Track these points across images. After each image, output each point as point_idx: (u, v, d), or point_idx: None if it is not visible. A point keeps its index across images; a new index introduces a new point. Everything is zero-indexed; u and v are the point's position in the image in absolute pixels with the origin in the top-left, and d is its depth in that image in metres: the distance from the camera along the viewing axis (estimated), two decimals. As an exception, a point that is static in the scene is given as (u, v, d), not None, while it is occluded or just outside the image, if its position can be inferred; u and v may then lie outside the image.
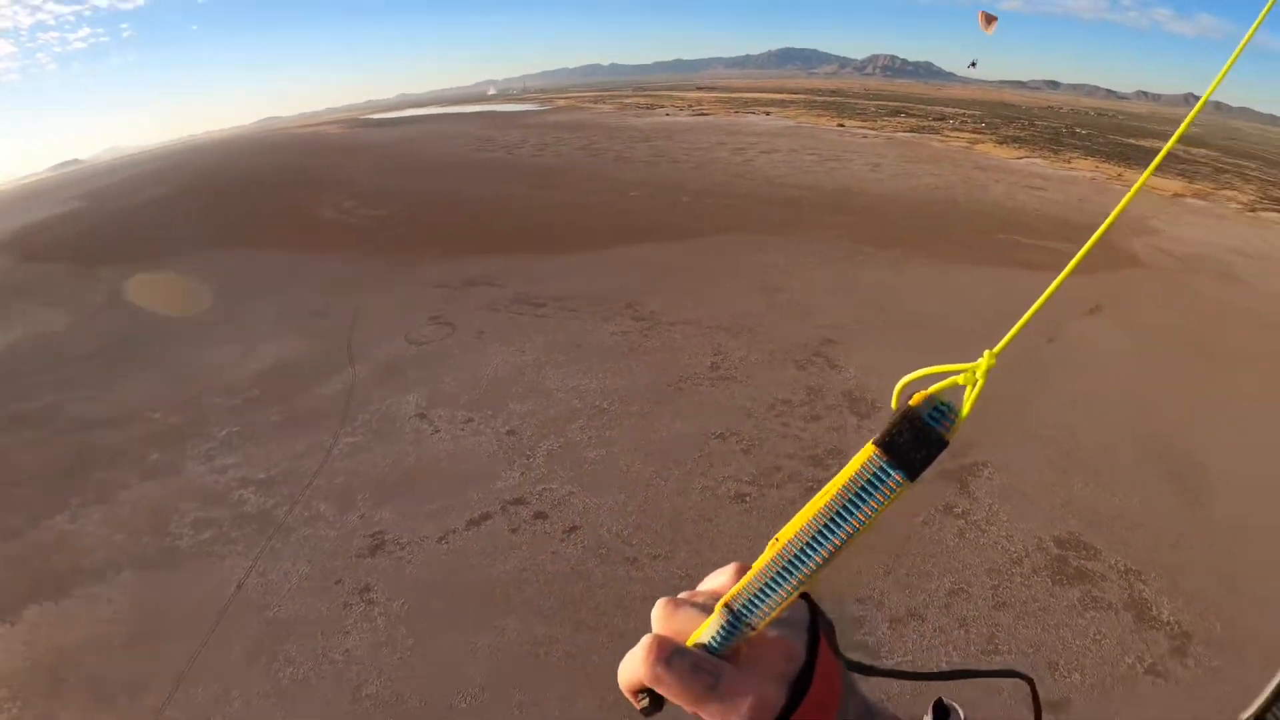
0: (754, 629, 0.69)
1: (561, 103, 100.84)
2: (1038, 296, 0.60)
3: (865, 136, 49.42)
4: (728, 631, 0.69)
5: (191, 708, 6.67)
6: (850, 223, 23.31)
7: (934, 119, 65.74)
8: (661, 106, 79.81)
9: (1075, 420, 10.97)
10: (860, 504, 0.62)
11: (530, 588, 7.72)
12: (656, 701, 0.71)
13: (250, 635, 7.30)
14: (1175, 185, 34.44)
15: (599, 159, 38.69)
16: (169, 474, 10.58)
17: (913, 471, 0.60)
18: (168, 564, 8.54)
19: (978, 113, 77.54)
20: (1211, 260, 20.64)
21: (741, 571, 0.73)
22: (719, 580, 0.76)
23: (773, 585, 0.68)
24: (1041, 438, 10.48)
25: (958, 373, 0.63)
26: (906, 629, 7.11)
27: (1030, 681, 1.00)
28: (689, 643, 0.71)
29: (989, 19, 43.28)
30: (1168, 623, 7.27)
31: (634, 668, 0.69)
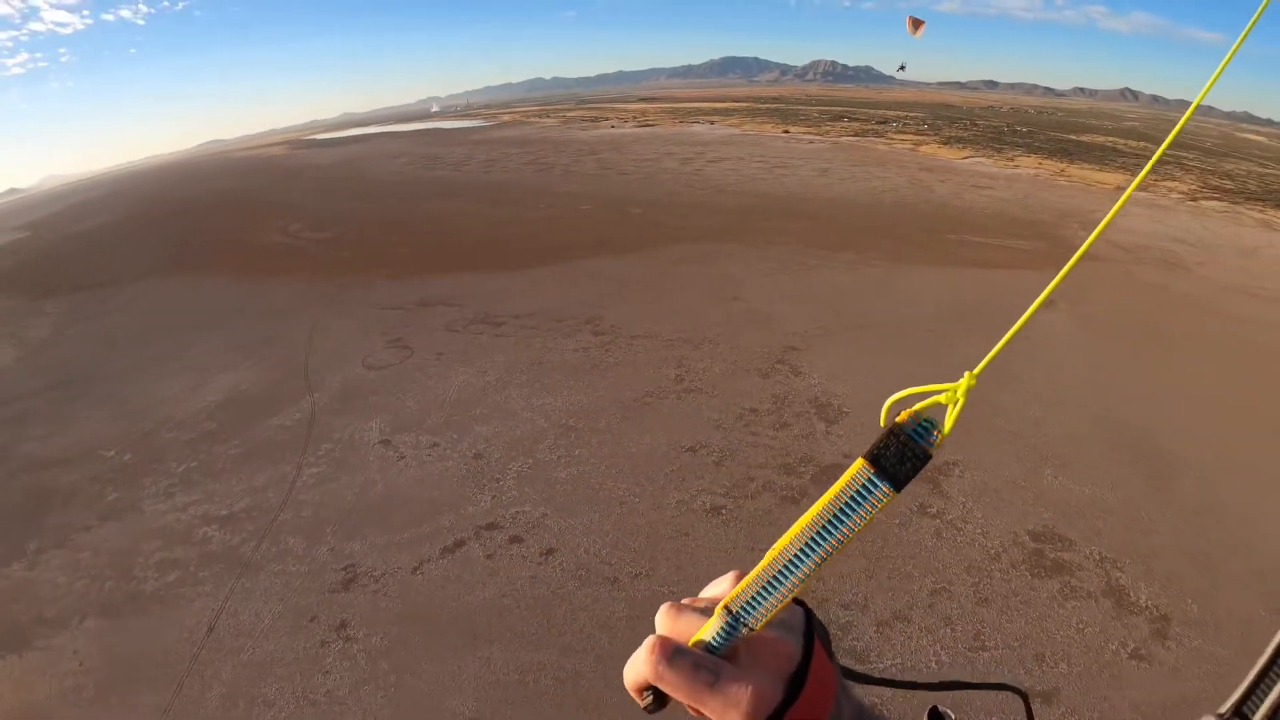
0: (752, 630, 0.73)
1: (506, 118, 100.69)
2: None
3: (811, 142, 50.19)
4: (727, 632, 0.74)
5: (168, 759, 6.46)
6: (802, 228, 23.60)
7: (877, 122, 67.01)
8: (606, 119, 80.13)
9: (1040, 414, 11.22)
10: (850, 513, 0.69)
11: (512, 614, 7.63)
12: (660, 699, 0.74)
13: (225, 680, 7.08)
14: (1117, 178, 35.57)
15: (547, 174, 38.62)
16: (128, 514, 10.23)
17: (899, 483, 0.67)
18: (133, 609, 8.24)
19: (920, 114, 79.24)
20: (1157, 250, 21.40)
21: (739, 579, 0.76)
22: (719, 588, 0.80)
23: (770, 588, 0.72)
24: (1009, 433, 10.70)
25: (940, 392, 0.69)
26: (893, 631, 7.19)
27: (1024, 696, 1.05)
28: (690, 643, 0.75)
29: (916, 23, 44.50)
30: (1146, 607, 7.48)
31: (638, 667, 0.73)
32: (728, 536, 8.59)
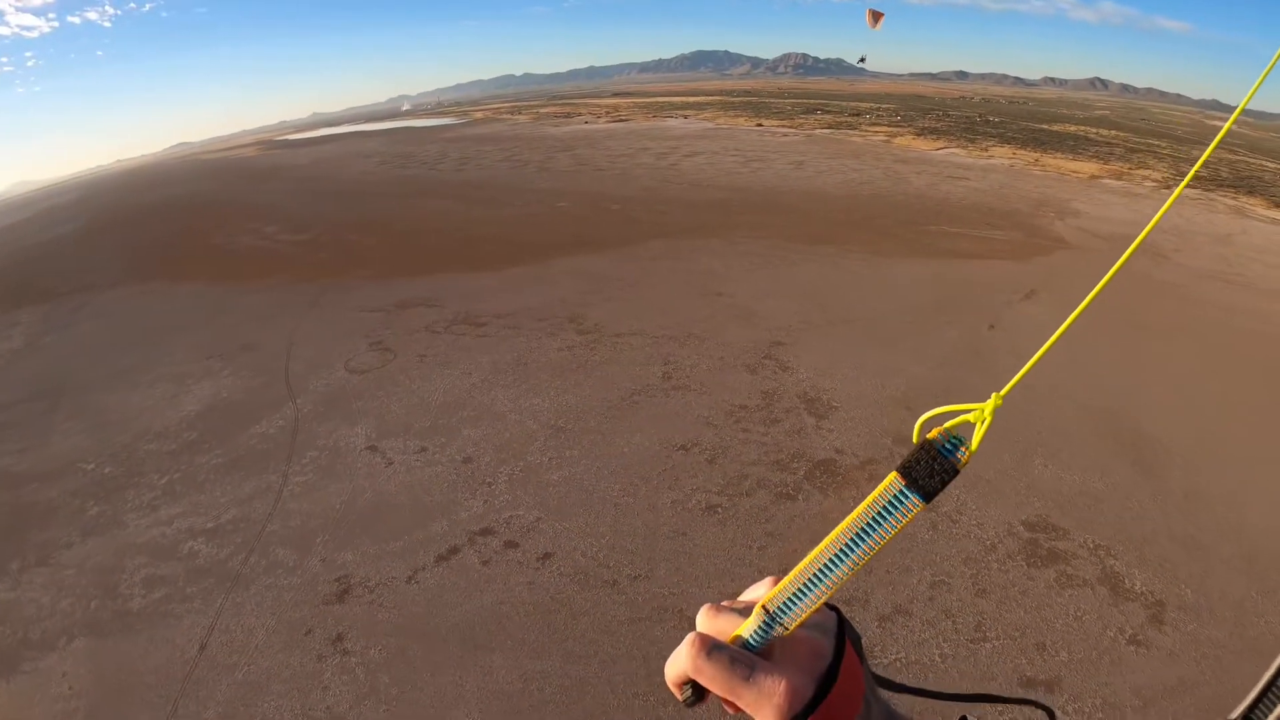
0: (787, 629, 0.78)
1: (478, 115, 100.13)
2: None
3: (785, 135, 50.30)
4: (764, 631, 0.79)
5: (164, 782, 6.32)
6: (781, 222, 23.64)
7: (850, 114, 67.39)
8: (579, 114, 79.94)
9: (1027, 403, 11.28)
10: (882, 522, 0.74)
11: (511, 621, 7.54)
12: (699, 693, 0.79)
13: (221, 700, 6.92)
14: (1091, 167, 35.99)
15: (522, 171, 38.39)
16: (111, 529, 9.98)
17: (928, 495, 0.73)
18: (122, 629, 8.04)
19: (892, 106, 79.71)
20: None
21: (776, 583, 0.81)
22: (756, 592, 0.85)
23: (805, 590, 0.77)
24: (998, 423, 10.70)
25: (968, 411, 0.75)
26: (895, 625, 7.20)
27: (1051, 712, 1.09)
28: (728, 640, 0.80)
29: (875, 16, 45.06)
30: (1141, 593, 7.57)
31: (679, 661, 0.78)
32: (725, 535, 8.52)
